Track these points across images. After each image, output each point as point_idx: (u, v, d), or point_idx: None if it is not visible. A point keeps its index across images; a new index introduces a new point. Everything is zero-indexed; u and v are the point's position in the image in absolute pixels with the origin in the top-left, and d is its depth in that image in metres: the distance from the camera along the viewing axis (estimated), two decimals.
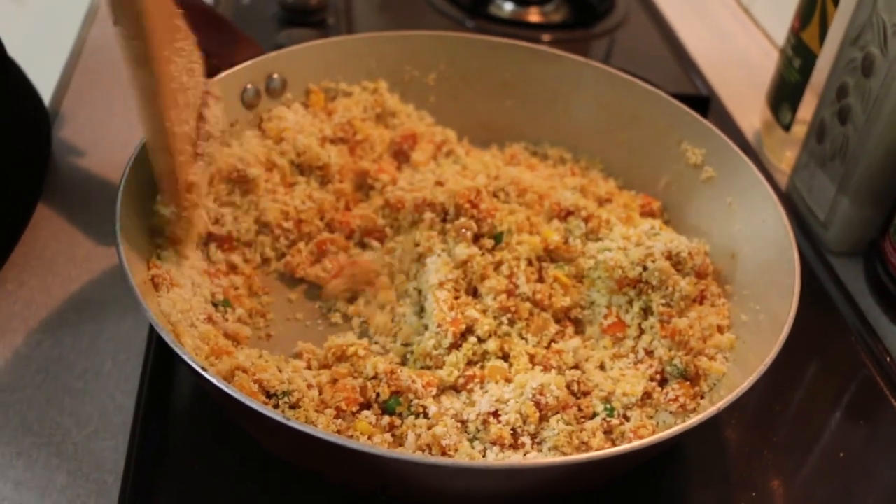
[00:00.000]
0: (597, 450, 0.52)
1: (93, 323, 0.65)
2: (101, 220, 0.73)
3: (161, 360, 0.60)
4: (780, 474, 0.58)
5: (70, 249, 0.70)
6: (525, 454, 0.52)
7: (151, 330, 0.63)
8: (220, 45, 0.70)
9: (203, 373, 0.45)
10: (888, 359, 0.67)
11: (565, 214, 0.66)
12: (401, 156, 0.73)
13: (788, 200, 0.83)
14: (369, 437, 0.51)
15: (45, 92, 0.85)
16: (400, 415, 0.54)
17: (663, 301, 0.61)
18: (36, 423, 0.58)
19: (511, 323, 0.60)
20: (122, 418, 0.58)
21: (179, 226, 0.58)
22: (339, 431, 0.51)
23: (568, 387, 0.56)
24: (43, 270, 0.68)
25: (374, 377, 0.55)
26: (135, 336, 0.64)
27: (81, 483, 0.55)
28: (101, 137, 0.82)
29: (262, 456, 0.54)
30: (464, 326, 0.58)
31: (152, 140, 0.55)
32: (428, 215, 0.64)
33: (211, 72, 0.67)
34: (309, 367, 0.57)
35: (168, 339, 0.46)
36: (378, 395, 0.54)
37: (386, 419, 0.53)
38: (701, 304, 0.63)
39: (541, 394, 0.53)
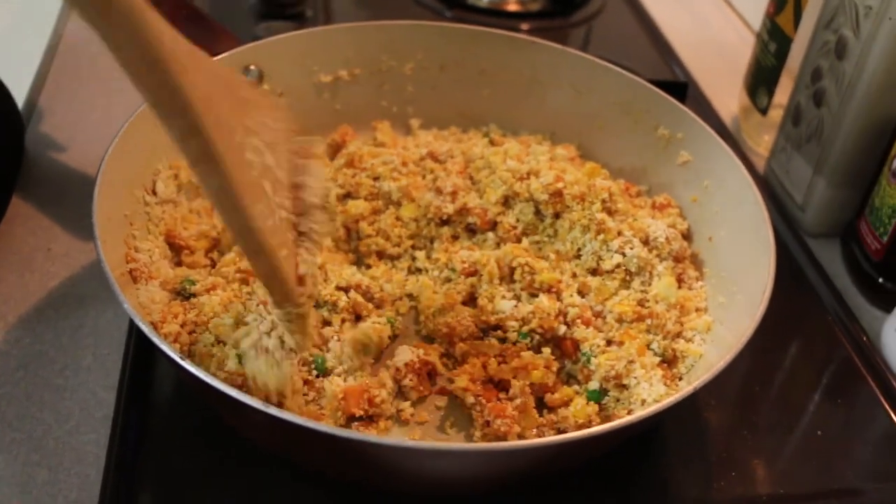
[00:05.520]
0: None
1: (72, 318, 0.65)
2: (79, 214, 0.73)
3: (141, 353, 0.60)
4: (760, 453, 0.59)
5: (48, 245, 0.70)
6: None
7: (131, 324, 0.62)
8: (196, 37, 0.69)
9: (182, 362, 0.45)
10: (864, 338, 0.68)
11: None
12: None
13: (766, 184, 0.84)
14: None
15: (22, 86, 0.85)
16: None
17: (642, 286, 0.61)
18: (16, 420, 0.58)
19: None
20: (104, 412, 0.58)
21: (295, 324, 0.50)
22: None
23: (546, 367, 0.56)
24: (21, 266, 0.68)
25: None
26: (115, 330, 0.64)
27: (63, 478, 0.54)
28: (79, 132, 0.82)
29: (244, 446, 0.54)
30: None
31: (242, 244, 0.46)
32: None
33: None
34: None
35: (147, 330, 0.46)
36: None
37: None
38: (679, 287, 0.63)
39: None
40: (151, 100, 0.40)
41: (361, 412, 0.53)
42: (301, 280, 0.49)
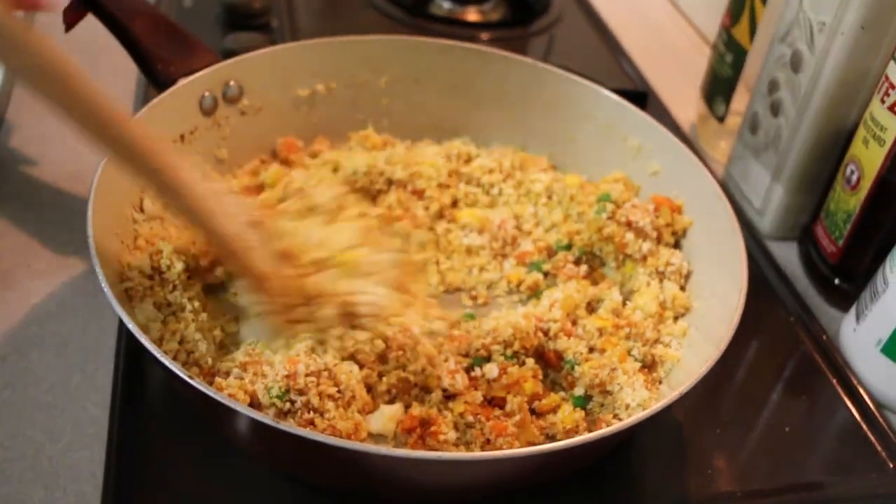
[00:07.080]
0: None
1: (57, 335, 0.65)
2: (58, 230, 0.73)
3: (132, 369, 0.60)
4: (730, 450, 0.62)
5: (27, 262, 0.70)
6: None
7: (119, 339, 0.63)
8: (174, 52, 0.70)
9: (190, 381, 0.46)
10: (824, 336, 0.71)
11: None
12: None
13: (724, 189, 0.87)
14: None
15: None
16: None
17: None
18: (7, 439, 0.58)
19: None
20: (96, 429, 0.58)
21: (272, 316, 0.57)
22: None
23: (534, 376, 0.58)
24: (1, 285, 0.68)
25: None
26: (101, 346, 0.64)
27: (60, 495, 0.55)
28: (50, 146, 0.82)
29: (240, 457, 0.55)
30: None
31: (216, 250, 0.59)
32: None
33: (167, 81, 0.68)
34: None
35: (152, 349, 0.47)
36: None
37: None
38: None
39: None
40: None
41: None
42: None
